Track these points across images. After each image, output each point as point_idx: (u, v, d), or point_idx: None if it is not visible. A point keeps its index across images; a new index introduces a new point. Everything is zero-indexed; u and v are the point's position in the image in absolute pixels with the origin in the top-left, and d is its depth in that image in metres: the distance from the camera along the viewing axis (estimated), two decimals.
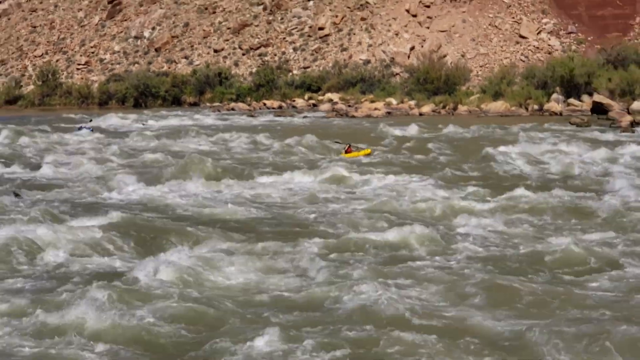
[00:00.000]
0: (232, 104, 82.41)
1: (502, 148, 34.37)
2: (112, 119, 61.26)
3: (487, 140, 38.92)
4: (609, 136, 41.35)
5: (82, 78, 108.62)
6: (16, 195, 24.12)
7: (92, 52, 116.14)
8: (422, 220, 20.22)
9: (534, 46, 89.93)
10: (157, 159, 34.15)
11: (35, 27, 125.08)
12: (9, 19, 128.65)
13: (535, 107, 63.20)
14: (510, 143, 36.15)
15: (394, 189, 24.72)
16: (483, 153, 32.84)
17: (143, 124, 56.09)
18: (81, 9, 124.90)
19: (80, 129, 50.29)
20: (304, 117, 65.87)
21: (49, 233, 18.26)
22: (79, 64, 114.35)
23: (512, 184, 25.10)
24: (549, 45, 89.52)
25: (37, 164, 32.55)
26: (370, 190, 24.60)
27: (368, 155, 32.87)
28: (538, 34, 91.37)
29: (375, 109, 67.92)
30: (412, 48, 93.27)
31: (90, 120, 53.81)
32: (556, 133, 43.42)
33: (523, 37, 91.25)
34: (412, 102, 70.81)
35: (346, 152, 33.84)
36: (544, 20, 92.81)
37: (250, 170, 29.26)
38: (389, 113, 66.75)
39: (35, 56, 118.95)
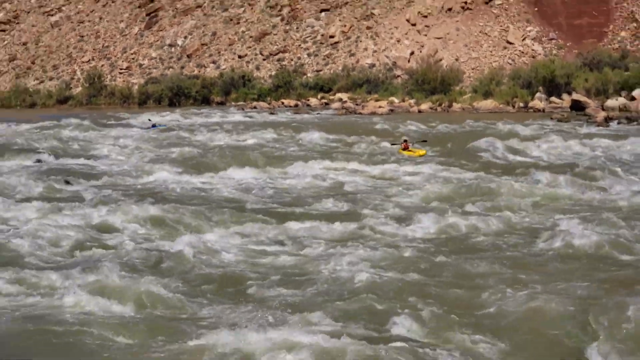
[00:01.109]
0: (254, 103, 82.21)
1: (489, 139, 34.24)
2: (168, 117, 61.33)
3: (481, 134, 38.66)
4: (586, 130, 41.62)
5: (123, 81, 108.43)
6: (67, 182, 24.07)
7: (133, 58, 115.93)
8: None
9: (520, 51, 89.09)
10: (194, 151, 34.09)
11: (82, 36, 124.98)
12: (59, 30, 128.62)
13: (521, 104, 62.69)
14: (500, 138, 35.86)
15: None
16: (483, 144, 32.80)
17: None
18: (122, 21, 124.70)
19: (154, 126, 50.14)
20: (318, 114, 65.70)
21: (100, 216, 18.16)
22: (121, 69, 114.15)
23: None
24: (533, 50, 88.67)
25: (91, 155, 32.64)
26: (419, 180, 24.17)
27: (422, 156, 30.71)
28: (523, 40, 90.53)
29: (380, 106, 67.45)
30: (412, 53, 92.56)
31: (149, 120, 53.50)
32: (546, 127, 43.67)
33: (510, 43, 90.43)
34: (412, 101, 70.32)
35: (404, 148, 31.89)
36: (529, 28, 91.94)
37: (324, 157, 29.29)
38: (391, 110, 66.36)
39: (83, 62, 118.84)
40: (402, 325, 10.88)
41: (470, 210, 19.12)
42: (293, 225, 17.54)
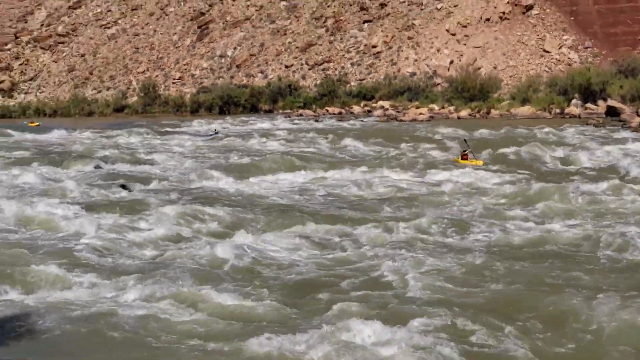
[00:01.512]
0: (300, 111, 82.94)
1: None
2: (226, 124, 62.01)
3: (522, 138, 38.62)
4: (623, 135, 41.16)
5: (176, 90, 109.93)
6: (124, 187, 24.61)
7: (185, 69, 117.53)
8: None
9: (556, 59, 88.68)
10: (246, 156, 34.33)
11: (138, 48, 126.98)
12: (116, 42, 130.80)
13: (557, 110, 62.55)
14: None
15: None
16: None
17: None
18: (175, 33, 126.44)
19: (216, 132, 50.55)
20: (361, 121, 66.08)
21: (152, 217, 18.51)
22: (174, 79, 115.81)
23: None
24: (569, 58, 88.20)
25: (147, 161, 33.07)
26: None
27: (478, 166, 28.92)
28: (559, 48, 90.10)
29: (420, 113, 67.78)
30: (451, 62, 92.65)
31: (215, 129, 53.77)
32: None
33: (547, 52, 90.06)
34: (452, 108, 70.60)
35: (462, 158, 30.42)
36: (565, 37, 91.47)
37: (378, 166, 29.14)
38: (431, 117, 66.60)
39: (138, 72, 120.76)
40: (482, 337, 10.04)
41: (527, 216, 18.37)
42: (351, 229, 17.16)
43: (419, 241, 15.93)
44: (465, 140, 32.78)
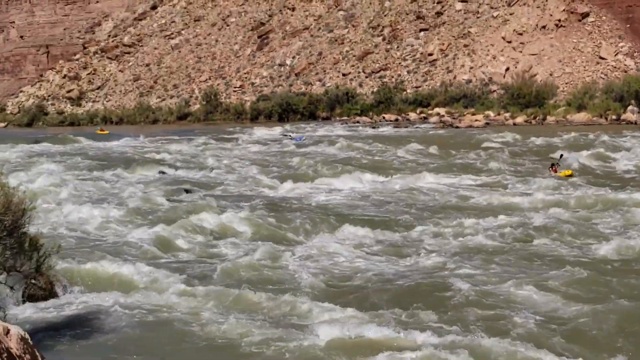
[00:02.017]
0: (357, 118, 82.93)
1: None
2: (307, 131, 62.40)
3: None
4: None
5: (237, 98, 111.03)
6: (187, 191, 24.98)
7: (245, 77, 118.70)
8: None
9: (612, 66, 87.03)
10: (303, 162, 34.37)
11: (200, 57, 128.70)
12: (179, 52, 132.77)
13: (613, 117, 61.45)
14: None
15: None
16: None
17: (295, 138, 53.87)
18: (236, 43, 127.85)
19: (300, 139, 50.03)
20: (417, 127, 65.89)
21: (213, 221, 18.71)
22: (235, 87, 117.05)
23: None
24: (625, 65, 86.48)
25: (208, 167, 33.48)
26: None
27: (569, 176, 27.91)
28: (615, 55, 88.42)
29: (476, 120, 67.28)
30: (507, 69, 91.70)
31: (291, 134, 53.30)
32: None
33: (602, 59, 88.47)
34: (507, 114, 69.89)
35: (553, 169, 29.29)
36: (621, 44, 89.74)
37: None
38: (487, 124, 65.98)
39: (201, 81, 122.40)
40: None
41: (619, 225, 17.57)
42: (425, 237, 16.80)
43: (510, 250, 15.23)
44: (561, 155, 31.81)
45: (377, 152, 39.22)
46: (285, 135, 50.29)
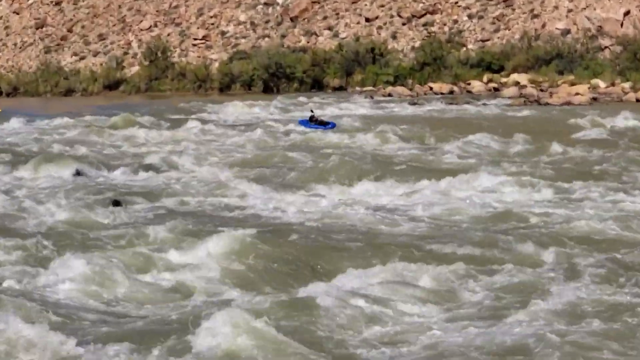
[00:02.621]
0: (389, 88, 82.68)
1: None
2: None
3: None
4: None
5: (199, 56, 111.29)
6: (116, 203, 24.96)
7: (212, 24, 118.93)
8: None
9: None
10: (296, 158, 34.56)
11: None
12: None
13: None
14: None
15: None
16: None
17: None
18: None
19: (332, 125, 48.90)
20: (483, 104, 65.57)
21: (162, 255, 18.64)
22: (195, 39, 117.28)
23: None
24: None
25: (150, 166, 33.44)
26: None
27: None
28: None
29: (577, 93, 67.07)
30: (627, 13, 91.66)
31: (312, 112, 52.06)
32: None
33: None
34: (627, 85, 69.70)
35: None
36: None
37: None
38: (594, 99, 65.75)
39: (141, 29, 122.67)
40: None
41: None
42: (482, 274, 17.12)
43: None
44: None
45: (418, 145, 39.12)
46: (310, 122, 49.48)
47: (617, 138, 39.95)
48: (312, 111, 51.24)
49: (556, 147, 36.23)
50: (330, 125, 47.69)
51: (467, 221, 22.35)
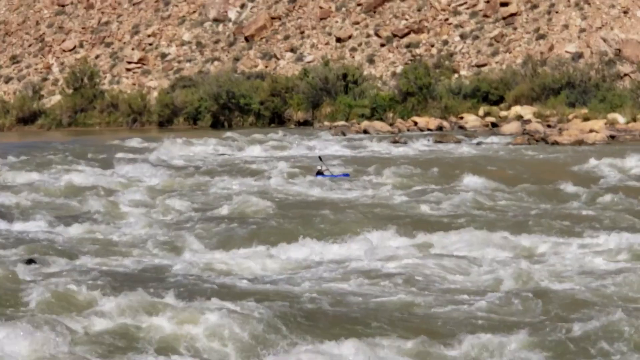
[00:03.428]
0: (365, 123, 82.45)
1: None
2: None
3: None
4: None
5: (134, 84, 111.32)
6: (30, 262, 24.83)
7: (150, 45, 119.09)
8: None
9: None
10: (267, 206, 34.56)
11: (63, 5, 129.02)
12: None
13: None
14: None
15: None
16: None
17: None
18: None
19: (320, 174, 48.45)
20: (479, 143, 65.61)
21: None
22: (129, 62, 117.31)
23: None
24: None
25: (74, 216, 33.38)
26: None
27: None
28: None
29: (591, 130, 67.33)
30: None
31: (322, 166, 50.99)
32: None
33: None
34: None
35: None
36: None
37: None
38: (612, 137, 66.04)
39: (64, 50, 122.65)
40: None
41: None
42: None
43: None
44: None
45: (414, 195, 39.19)
46: (320, 171, 48.98)
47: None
48: (319, 158, 50.79)
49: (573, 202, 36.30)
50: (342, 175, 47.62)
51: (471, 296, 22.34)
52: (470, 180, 40.56)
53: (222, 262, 25.23)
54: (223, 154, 59.54)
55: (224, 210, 34.33)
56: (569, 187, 38.16)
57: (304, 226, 30.08)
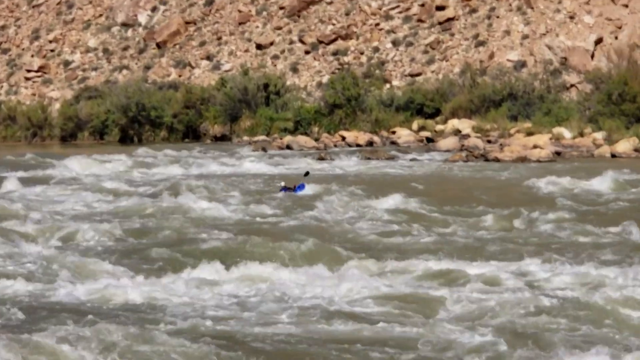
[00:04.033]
0: (288, 138, 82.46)
1: None
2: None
3: None
4: None
5: (34, 94, 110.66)
6: None
7: (51, 51, 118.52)
8: None
9: None
10: (184, 229, 34.49)
11: None
12: None
13: None
14: None
15: None
16: None
17: None
18: None
19: (301, 188, 48.65)
20: (413, 160, 65.80)
21: None
22: (28, 71, 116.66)
23: None
24: None
25: None
26: None
27: None
28: None
29: (535, 146, 67.76)
30: (599, 41, 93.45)
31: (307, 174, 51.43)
32: None
33: None
34: (599, 135, 70.66)
35: None
36: None
37: None
38: (557, 154, 66.52)
39: None
40: None
41: None
42: None
43: None
44: None
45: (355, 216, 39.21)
46: (288, 187, 49.35)
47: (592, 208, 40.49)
48: (306, 174, 51.13)
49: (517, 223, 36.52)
50: (299, 188, 47.87)
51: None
52: (390, 201, 40.67)
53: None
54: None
55: (146, 239, 34.26)
56: (499, 209, 38.36)
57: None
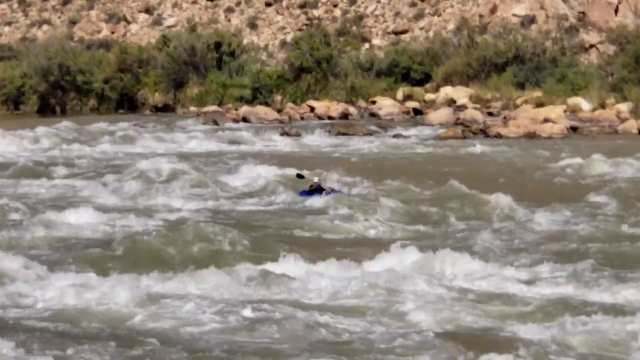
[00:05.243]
0: (244, 109, 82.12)
1: None
2: None
3: None
4: None
5: None
6: None
7: None
8: None
9: None
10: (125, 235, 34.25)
11: None
12: None
13: None
14: None
15: None
16: None
17: None
18: None
19: (335, 191, 47.77)
20: (397, 136, 65.34)
21: None
22: None
23: None
24: None
25: None
26: None
27: None
28: None
29: (546, 120, 67.40)
30: None
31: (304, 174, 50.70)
32: None
33: None
34: (624, 107, 70.34)
35: None
36: None
37: None
38: (573, 129, 66.10)
39: None
40: None
41: None
42: None
43: None
44: None
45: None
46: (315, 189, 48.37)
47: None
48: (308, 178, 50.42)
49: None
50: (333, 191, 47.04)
51: None
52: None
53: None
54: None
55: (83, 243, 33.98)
56: (501, 198, 37.74)
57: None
